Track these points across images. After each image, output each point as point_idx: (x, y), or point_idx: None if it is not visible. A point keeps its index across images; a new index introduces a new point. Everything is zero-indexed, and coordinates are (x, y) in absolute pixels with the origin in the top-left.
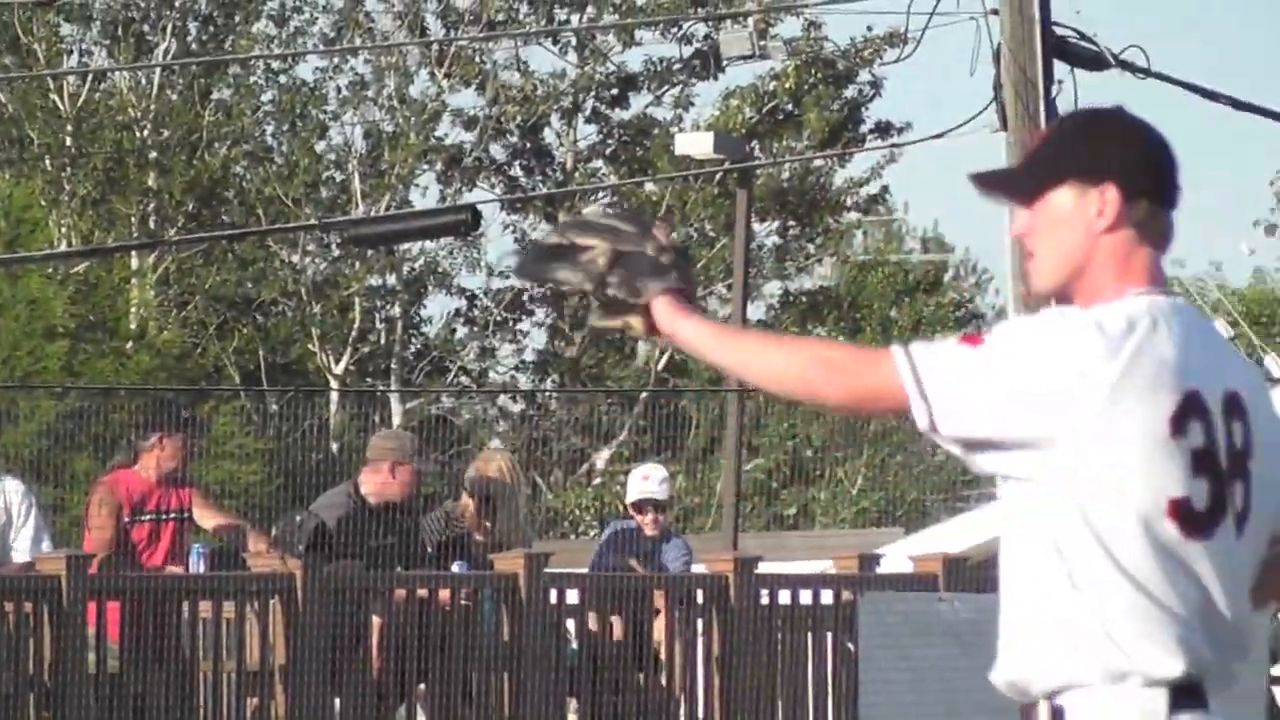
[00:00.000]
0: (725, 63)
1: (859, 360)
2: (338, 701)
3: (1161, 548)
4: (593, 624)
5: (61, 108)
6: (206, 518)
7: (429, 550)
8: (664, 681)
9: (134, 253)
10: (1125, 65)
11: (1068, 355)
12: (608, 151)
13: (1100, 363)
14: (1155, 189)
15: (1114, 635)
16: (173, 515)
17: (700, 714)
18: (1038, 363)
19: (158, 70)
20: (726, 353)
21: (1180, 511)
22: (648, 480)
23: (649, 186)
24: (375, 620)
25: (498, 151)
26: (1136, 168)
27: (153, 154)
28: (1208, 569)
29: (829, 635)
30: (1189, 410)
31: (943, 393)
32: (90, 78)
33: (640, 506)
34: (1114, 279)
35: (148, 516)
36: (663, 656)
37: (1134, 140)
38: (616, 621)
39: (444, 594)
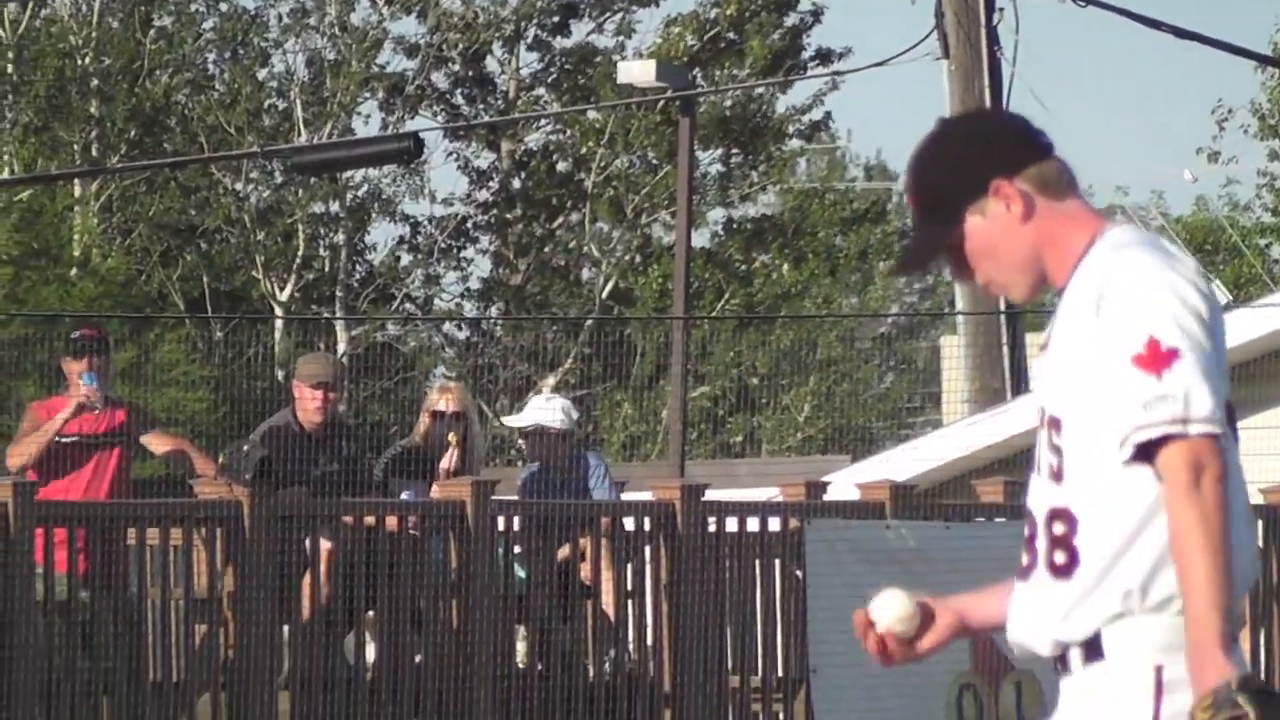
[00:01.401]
0: None
1: (1196, 489)
2: (286, 629)
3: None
4: (540, 551)
5: (2, 35)
6: (153, 443)
7: (378, 476)
8: (611, 610)
9: (77, 180)
10: None
11: (1205, 303)
12: (550, 79)
13: (1208, 289)
14: (1027, 151)
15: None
16: (97, 439)
17: (649, 641)
18: (1203, 324)
19: None
20: (1209, 593)
21: (1230, 415)
22: (542, 409)
23: (592, 114)
24: (324, 546)
25: (439, 80)
26: (1001, 150)
27: (94, 82)
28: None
29: (776, 563)
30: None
31: (1215, 412)
32: (31, 5)
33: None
34: (1075, 235)
35: (70, 439)
36: (610, 584)
37: (977, 134)
38: (564, 549)
39: (391, 521)
